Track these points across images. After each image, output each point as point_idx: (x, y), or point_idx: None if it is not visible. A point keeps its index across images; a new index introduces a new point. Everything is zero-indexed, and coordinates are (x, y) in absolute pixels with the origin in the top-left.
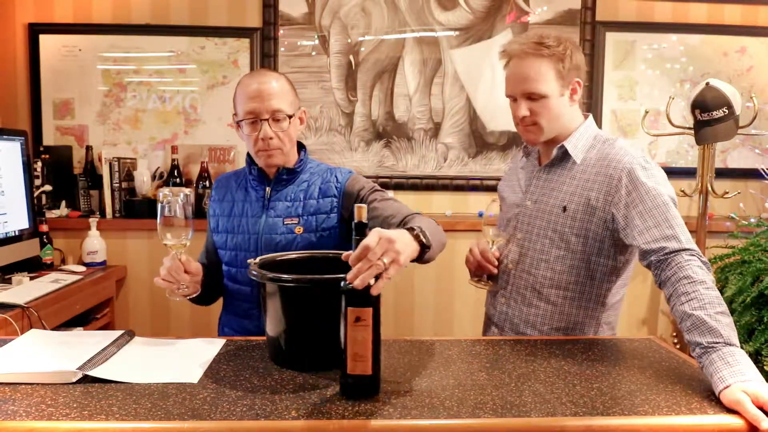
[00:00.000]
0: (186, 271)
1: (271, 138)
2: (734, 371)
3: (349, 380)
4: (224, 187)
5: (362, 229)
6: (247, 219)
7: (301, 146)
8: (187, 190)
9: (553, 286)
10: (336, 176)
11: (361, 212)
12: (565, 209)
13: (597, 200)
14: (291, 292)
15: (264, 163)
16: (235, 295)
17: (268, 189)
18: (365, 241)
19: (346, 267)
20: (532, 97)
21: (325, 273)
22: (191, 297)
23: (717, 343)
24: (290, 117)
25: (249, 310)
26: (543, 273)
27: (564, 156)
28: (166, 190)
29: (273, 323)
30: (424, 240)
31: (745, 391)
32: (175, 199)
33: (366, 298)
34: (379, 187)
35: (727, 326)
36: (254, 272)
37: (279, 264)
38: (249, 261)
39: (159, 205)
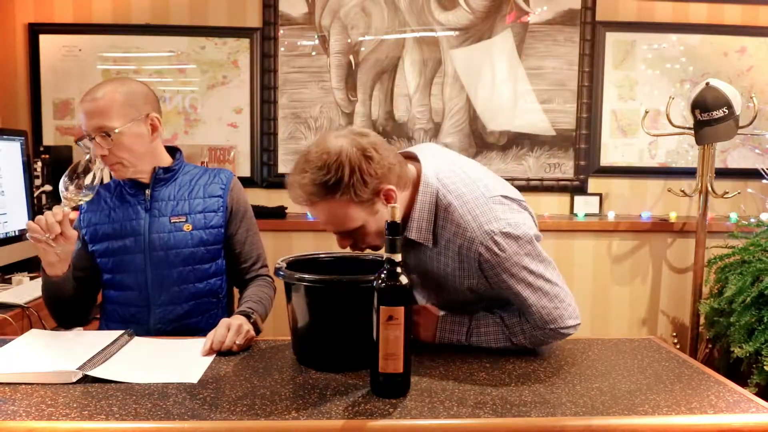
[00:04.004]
0: (62, 233)
1: (104, 155)
2: None
3: (381, 378)
4: (96, 198)
5: (395, 229)
6: (129, 222)
7: (176, 149)
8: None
9: (455, 310)
10: (220, 177)
11: (394, 212)
12: (437, 286)
13: (462, 284)
14: (295, 293)
15: (115, 176)
16: (120, 301)
17: (147, 191)
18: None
19: (352, 269)
20: (350, 230)
21: (325, 274)
22: (61, 296)
23: None
24: (120, 131)
25: (136, 314)
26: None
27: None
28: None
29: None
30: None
31: None
32: (99, 163)
33: (399, 297)
34: (251, 209)
35: None
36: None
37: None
38: (278, 262)
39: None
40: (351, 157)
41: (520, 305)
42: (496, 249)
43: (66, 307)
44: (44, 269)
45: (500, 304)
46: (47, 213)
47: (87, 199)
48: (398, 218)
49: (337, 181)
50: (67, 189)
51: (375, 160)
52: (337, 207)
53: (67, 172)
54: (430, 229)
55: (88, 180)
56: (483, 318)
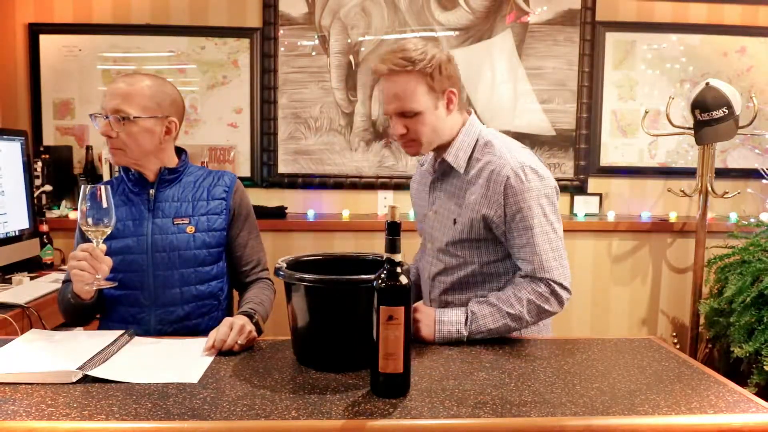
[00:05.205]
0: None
1: (109, 136)
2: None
3: (380, 378)
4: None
5: (395, 229)
6: (132, 222)
7: (181, 150)
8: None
9: (455, 291)
10: (223, 179)
11: (393, 212)
12: (455, 222)
13: (480, 211)
14: (295, 293)
15: (113, 161)
16: (121, 301)
17: (151, 191)
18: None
19: (352, 269)
20: (406, 114)
21: (326, 274)
22: (87, 301)
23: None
24: (135, 119)
25: (137, 314)
26: (446, 279)
27: (450, 168)
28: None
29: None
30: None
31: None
32: (104, 186)
33: (399, 297)
34: (253, 212)
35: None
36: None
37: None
38: (279, 262)
39: (83, 189)
40: (436, 53)
41: (525, 244)
42: (523, 176)
43: (85, 311)
44: (77, 294)
45: (492, 276)
46: (87, 257)
47: (111, 223)
48: (398, 218)
49: (421, 59)
50: (87, 221)
51: (453, 65)
52: (413, 81)
53: (79, 206)
54: (465, 158)
55: (104, 200)
56: (477, 304)
